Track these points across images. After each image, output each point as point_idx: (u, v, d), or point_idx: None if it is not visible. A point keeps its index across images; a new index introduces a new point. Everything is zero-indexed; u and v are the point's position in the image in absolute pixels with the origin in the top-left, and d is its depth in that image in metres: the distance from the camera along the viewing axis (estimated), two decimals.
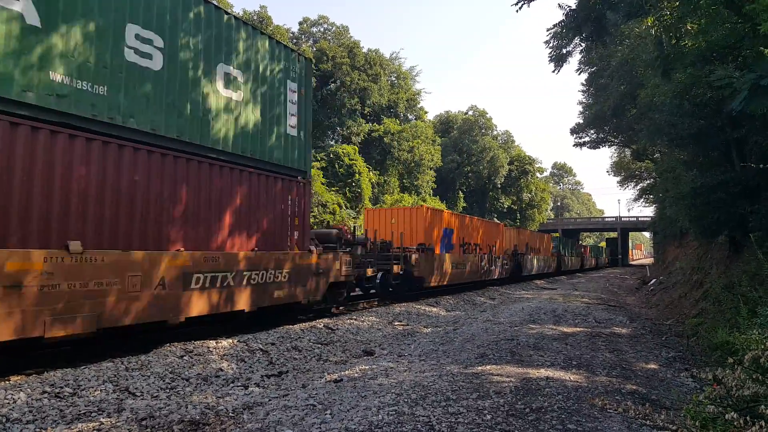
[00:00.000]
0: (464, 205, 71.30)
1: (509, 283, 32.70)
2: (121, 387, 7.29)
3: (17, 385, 6.88)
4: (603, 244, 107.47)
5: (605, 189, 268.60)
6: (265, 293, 11.55)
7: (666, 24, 12.73)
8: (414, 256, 20.11)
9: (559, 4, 16.64)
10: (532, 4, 16.16)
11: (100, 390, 7.10)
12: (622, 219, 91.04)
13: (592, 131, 45.61)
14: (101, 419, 5.89)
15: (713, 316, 11.78)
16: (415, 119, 69.91)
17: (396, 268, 19.15)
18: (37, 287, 7.23)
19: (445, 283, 23.22)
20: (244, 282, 10.98)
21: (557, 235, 60.19)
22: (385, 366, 8.32)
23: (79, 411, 6.20)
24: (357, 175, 48.84)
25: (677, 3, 12.56)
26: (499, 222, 38.43)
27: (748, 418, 4.10)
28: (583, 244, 72.21)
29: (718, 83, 9.73)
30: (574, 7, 16.56)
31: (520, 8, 16.18)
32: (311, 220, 22.91)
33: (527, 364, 8.20)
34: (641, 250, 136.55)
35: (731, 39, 11.68)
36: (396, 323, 14.28)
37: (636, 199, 52.05)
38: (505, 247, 32.20)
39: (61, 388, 7.01)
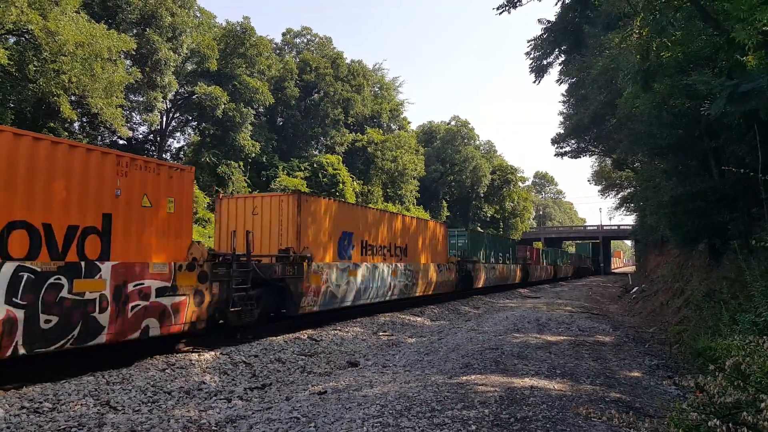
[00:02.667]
0: (448, 214, 71.53)
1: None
2: (102, 401, 7.18)
3: None
4: (570, 247, 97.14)
5: (587, 198, 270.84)
6: None
7: (641, 39, 12.93)
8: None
9: (539, 19, 16.94)
10: (513, 11, 16.39)
11: (81, 404, 6.99)
12: (604, 227, 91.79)
13: (572, 141, 45.97)
14: None
15: (695, 323, 11.88)
16: (399, 129, 70.25)
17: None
18: None
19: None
20: None
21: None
22: (370, 377, 8.28)
23: (59, 426, 6.09)
24: (341, 184, 48.86)
25: (652, 17, 12.76)
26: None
27: (730, 425, 4.13)
28: (538, 248, 54.01)
29: (697, 88, 9.89)
30: (553, 20, 16.83)
31: (500, 13, 16.42)
32: None
33: (512, 373, 8.21)
34: (620, 258, 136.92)
35: (708, 50, 11.89)
36: (381, 333, 14.23)
37: (617, 208, 52.60)
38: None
39: (41, 402, 6.89)
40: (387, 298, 19.12)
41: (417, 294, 21.77)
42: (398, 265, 20.05)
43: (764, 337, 5.03)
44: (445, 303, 23.51)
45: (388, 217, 20.14)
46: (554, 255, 56.36)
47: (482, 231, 45.98)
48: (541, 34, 17.24)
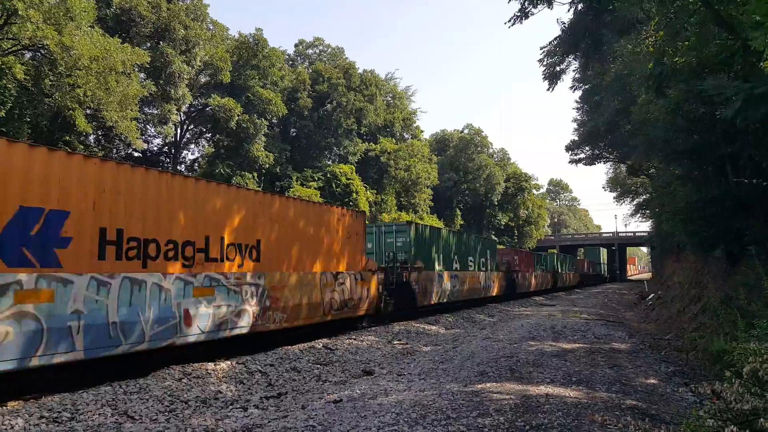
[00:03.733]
0: (462, 222, 71.41)
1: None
2: (120, 411, 7.26)
3: (15, 411, 6.85)
4: (580, 254, 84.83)
5: (602, 205, 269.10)
6: None
7: (655, 44, 12.92)
8: None
9: (556, 20, 17.00)
10: (525, 22, 16.45)
11: (99, 414, 7.06)
12: (620, 234, 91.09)
13: (587, 148, 45.81)
14: None
15: (712, 329, 11.76)
16: (411, 138, 70.36)
17: None
18: None
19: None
20: None
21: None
22: (385, 385, 8.29)
23: None
24: (354, 194, 49.02)
25: (667, 21, 12.73)
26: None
27: (747, 431, 4.10)
28: (528, 251, 49.77)
29: (711, 93, 9.83)
30: (568, 23, 16.87)
31: (512, 25, 16.48)
32: None
33: (527, 381, 8.18)
34: (634, 264, 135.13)
35: (722, 54, 11.83)
36: (395, 342, 14.23)
37: (632, 215, 52.21)
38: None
39: (59, 412, 6.97)
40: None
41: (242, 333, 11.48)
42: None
43: None
44: (458, 311, 23.34)
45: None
46: (553, 260, 47.78)
47: (443, 228, 34.07)
48: (555, 40, 17.30)
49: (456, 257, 25.21)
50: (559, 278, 47.54)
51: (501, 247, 51.37)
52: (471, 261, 27.18)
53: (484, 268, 28.81)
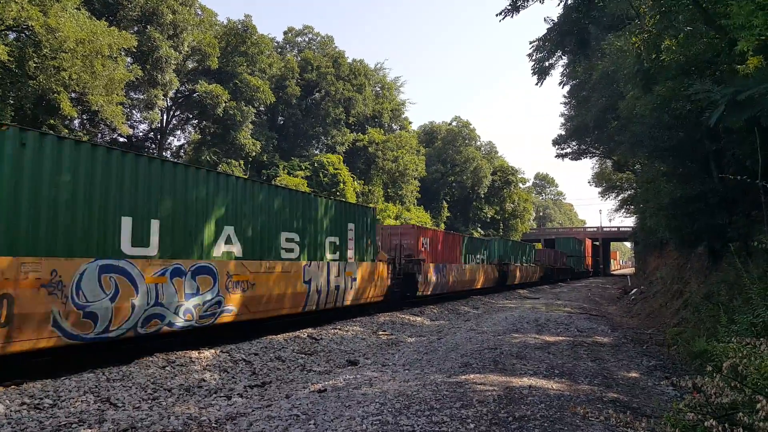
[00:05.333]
0: (448, 215, 71.55)
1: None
2: (103, 398, 7.22)
3: None
4: (538, 245, 62.73)
5: (587, 200, 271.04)
6: None
7: (645, 40, 12.97)
8: None
9: (544, 18, 16.95)
10: (516, 16, 16.40)
11: (81, 401, 7.02)
12: (604, 229, 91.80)
13: (573, 143, 46.06)
14: (82, 430, 5.82)
15: (693, 325, 11.93)
16: (400, 129, 70.24)
17: None
18: None
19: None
20: None
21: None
22: (370, 375, 8.32)
23: (59, 422, 6.12)
24: (342, 184, 48.88)
25: (657, 17, 12.80)
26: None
27: (726, 425, 4.16)
28: (442, 232, 28.60)
29: (697, 97, 9.91)
30: (556, 20, 16.85)
31: (503, 18, 16.42)
32: None
33: (510, 372, 8.24)
34: (616, 259, 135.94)
35: (709, 54, 11.92)
36: (380, 333, 14.27)
37: (617, 210, 52.61)
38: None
39: (41, 399, 6.92)
40: None
41: None
42: None
43: (761, 339, 5.07)
44: (444, 303, 23.48)
45: None
46: (501, 248, 35.65)
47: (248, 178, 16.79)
48: (544, 35, 17.27)
49: (276, 232, 22.98)
50: (510, 272, 35.26)
51: (393, 223, 47.63)
52: (310, 241, 25.16)
53: (351, 252, 21.60)
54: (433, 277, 23.38)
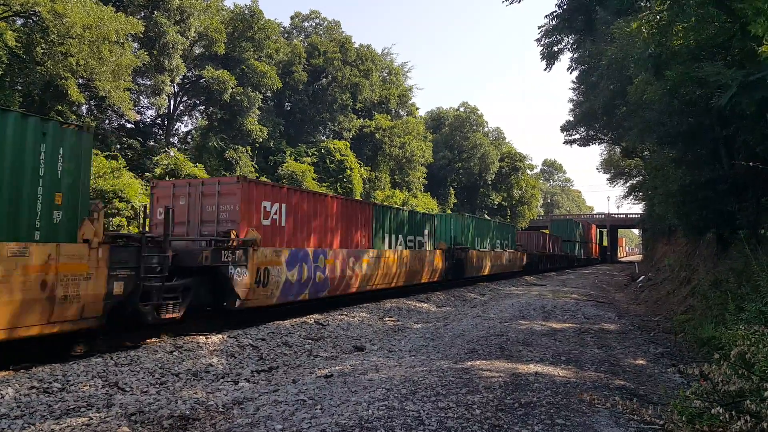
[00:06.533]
0: (455, 201, 71.38)
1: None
2: (111, 382, 7.27)
3: (5, 381, 6.85)
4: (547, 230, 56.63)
5: (595, 186, 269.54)
6: None
7: (654, 24, 12.79)
8: None
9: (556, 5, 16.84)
10: (522, 0, 16.25)
11: (89, 385, 7.08)
12: (612, 216, 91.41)
13: (582, 129, 45.68)
14: (90, 414, 5.87)
15: (701, 312, 11.88)
16: (407, 115, 69.89)
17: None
18: None
19: None
20: None
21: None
22: (376, 361, 8.34)
23: (68, 406, 6.17)
24: (348, 170, 48.80)
25: (668, 1, 12.61)
26: None
27: (733, 413, 4.15)
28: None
29: (709, 79, 9.80)
30: (565, 5, 16.69)
31: (510, 4, 16.29)
32: None
33: (516, 359, 8.25)
34: (622, 246, 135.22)
35: (720, 38, 11.75)
36: (387, 319, 14.30)
37: (625, 197, 52.34)
38: None
39: (50, 383, 6.98)
40: None
41: None
42: None
43: None
44: (450, 290, 23.53)
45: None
46: (455, 227, 26.84)
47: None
48: (552, 18, 17.13)
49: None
50: (467, 260, 26.41)
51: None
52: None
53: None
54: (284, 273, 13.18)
